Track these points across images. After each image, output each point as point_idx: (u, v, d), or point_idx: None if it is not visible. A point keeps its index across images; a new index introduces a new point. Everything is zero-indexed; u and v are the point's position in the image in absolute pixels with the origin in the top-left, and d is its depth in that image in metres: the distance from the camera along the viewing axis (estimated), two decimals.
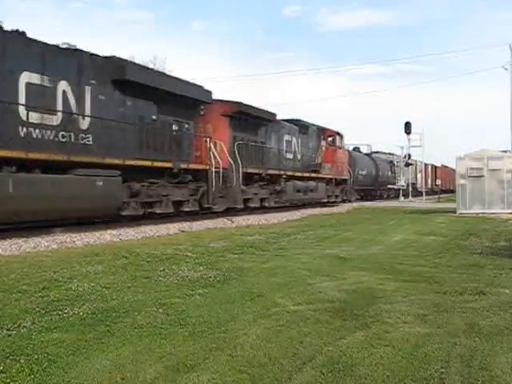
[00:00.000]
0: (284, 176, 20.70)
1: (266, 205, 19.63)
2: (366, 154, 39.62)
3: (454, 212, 19.97)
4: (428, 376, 3.39)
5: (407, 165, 40.48)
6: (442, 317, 4.76)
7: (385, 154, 44.26)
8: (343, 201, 28.71)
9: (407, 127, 36.98)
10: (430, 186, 47.23)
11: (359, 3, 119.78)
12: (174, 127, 14.51)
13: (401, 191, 39.00)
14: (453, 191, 55.31)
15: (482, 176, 19.85)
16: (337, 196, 27.74)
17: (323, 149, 25.72)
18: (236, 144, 17.28)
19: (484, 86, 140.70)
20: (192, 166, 14.82)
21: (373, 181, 37.18)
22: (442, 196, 43.19)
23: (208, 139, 15.74)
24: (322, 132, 26.01)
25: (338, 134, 27.65)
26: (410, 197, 38.64)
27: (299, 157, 23.11)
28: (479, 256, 8.57)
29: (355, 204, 28.85)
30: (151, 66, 38.36)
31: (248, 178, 18.11)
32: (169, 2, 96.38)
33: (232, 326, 4.46)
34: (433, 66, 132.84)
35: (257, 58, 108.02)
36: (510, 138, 31.54)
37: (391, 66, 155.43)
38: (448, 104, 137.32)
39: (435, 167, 56.66)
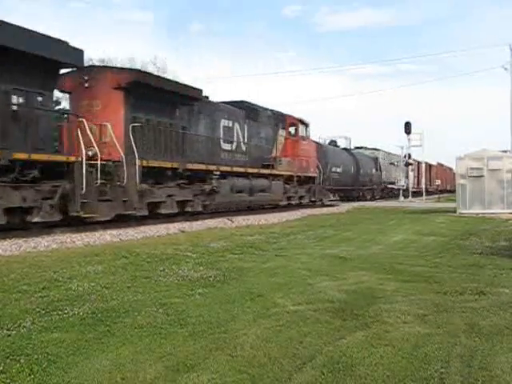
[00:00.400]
0: (216, 172, 16.15)
1: (189, 210, 15.15)
2: (344, 149, 35.15)
3: (454, 212, 19.97)
4: (428, 376, 3.39)
5: (407, 164, 40.46)
6: (442, 317, 4.76)
7: (368, 149, 39.78)
8: (311, 202, 24.28)
9: (407, 127, 37.01)
10: (423, 186, 43.16)
11: (359, 3, 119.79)
12: (15, 99, 10.13)
13: (401, 191, 38.91)
14: (450, 191, 54.26)
15: (482, 176, 19.86)
16: (302, 197, 23.35)
17: (282, 139, 21.35)
18: (131, 127, 12.68)
19: (484, 85, 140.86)
20: (36, 157, 10.15)
21: (353, 179, 32.91)
22: (441, 196, 43.03)
23: (80, 120, 11.34)
24: (280, 119, 21.55)
25: (302, 122, 23.08)
26: (410, 197, 38.60)
27: (244, 148, 18.59)
28: (479, 256, 8.57)
29: (355, 204, 28.81)
30: (152, 66, 37.89)
31: (157, 175, 13.78)
32: (169, 3, 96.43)
33: (232, 325, 4.46)
34: (433, 65, 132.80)
35: (256, 58, 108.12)
36: (510, 138, 31.58)
37: (392, 66, 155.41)
38: (448, 104, 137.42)
39: (430, 166, 51.59)
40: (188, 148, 15.14)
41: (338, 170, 30.30)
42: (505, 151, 25.90)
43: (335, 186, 29.23)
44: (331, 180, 28.37)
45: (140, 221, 13.11)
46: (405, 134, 37.51)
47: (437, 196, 41.91)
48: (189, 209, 15.16)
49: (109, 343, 3.99)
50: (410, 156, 40.09)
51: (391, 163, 41.89)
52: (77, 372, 3.42)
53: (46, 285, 5.80)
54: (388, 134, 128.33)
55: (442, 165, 59.45)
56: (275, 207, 21.15)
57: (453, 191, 50.48)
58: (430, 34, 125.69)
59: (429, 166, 50.33)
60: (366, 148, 39.85)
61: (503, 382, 3.33)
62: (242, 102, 19.64)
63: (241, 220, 16.17)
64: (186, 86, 15.29)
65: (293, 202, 22.39)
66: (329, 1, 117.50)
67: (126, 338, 4.11)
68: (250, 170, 18.46)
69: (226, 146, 17.59)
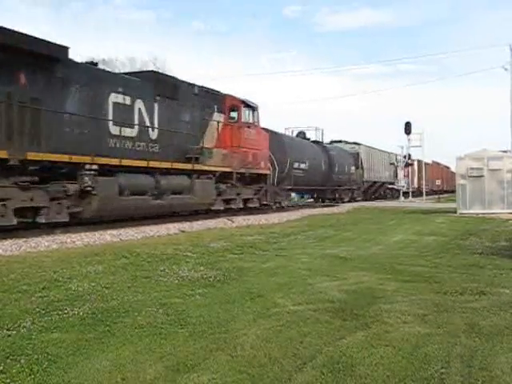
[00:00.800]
0: (91, 166, 11.35)
1: (42, 221, 10.54)
2: (314, 142, 28.84)
3: (454, 212, 19.97)
4: (428, 376, 3.39)
5: (407, 165, 40.45)
6: (442, 317, 4.76)
7: (348, 143, 33.89)
8: (262, 206, 19.69)
9: (407, 127, 37.06)
10: (416, 186, 40.03)
11: (359, 3, 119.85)
12: None
13: (401, 191, 38.87)
14: (447, 191, 53.30)
15: (482, 176, 19.86)
16: (248, 200, 18.61)
17: (216, 125, 16.39)
18: None
19: (484, 86, 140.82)
20: None
21: (324, 178, 27.40)
22: (441, 196, 42.92)
23: None
24: (216, 99, 16.64)
25: (247, 104, 18.23)
26: (411, 197, 38.58)
27: (155, 135, 13.70)
28: (479, 256, 8.57)
29: (355, 204, 28.80)
30: (152, 67, 38.21)
31: None
32: (169, 2, 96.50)
33: (232, 326, 4.46)
34: (433, 66, 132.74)
35: (257, 58, 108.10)
36: (510, 138, 31.59)
37: (392, 66, 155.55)
38: (448, 104, 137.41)
39: (424, 164, 45.30)
40: (43, 130, 10.38)
41: (303, 166, 24.33)
42: (505, 151, 25.91)
43: (298, 185, 23.79)
44: (292, 178, 22.65)
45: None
46: (405, 135, 37.62)
47: (436, 196, 41.62)
48: (42, 219, 10.53)
49: (109, 343, 3.99)
50: (409, 156, 40.11)
51: (391, 163, 41.53)
52: (77, 372, 3.42)
53: (46, 285, 5.80)
54: (388, 134, 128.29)
55: (438, 163, 57.14)
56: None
57: (450, 191, 49.92)
58: (429, 35, 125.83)
59: (423, 165, 44.96)
60: (346, 142, 34.05)
61: (503, 383, 3.32)
62: (151, 72, 15.00)
63: (241, 220, 16.17)
64: (37, 40, 10.34)
65: (233, 207, 17.51)
66: (329, 1, 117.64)
67: (126, 338, 4.11)
68: (153, 164, 13.27)
69: (115, 131, 12.41)
